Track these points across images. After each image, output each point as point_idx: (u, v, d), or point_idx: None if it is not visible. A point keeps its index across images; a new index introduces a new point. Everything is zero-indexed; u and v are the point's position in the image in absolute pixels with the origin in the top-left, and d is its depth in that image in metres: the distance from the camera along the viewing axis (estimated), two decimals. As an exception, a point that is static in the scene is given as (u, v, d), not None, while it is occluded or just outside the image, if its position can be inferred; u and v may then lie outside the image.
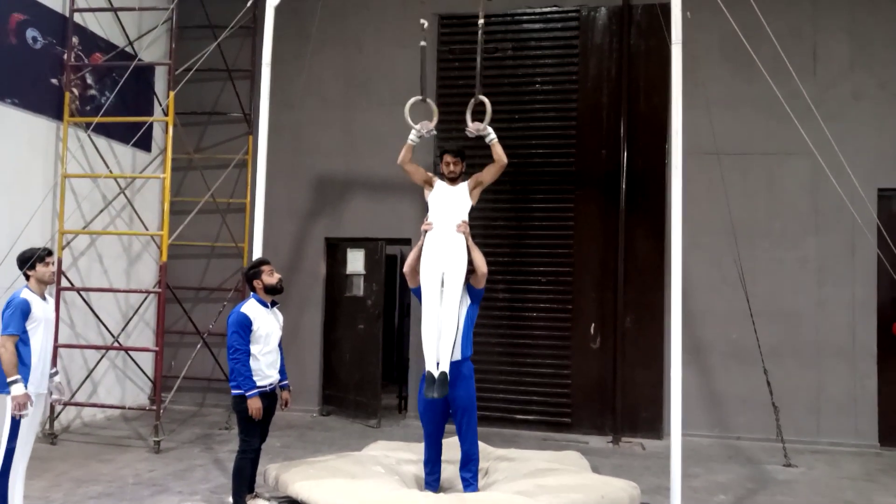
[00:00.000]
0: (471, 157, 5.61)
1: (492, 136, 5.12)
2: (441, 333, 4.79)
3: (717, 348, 7.69)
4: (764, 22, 5.45)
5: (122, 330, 8.03)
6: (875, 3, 7.65)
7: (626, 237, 7.83)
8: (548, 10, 8.26)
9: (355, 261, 8.53)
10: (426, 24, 5.36)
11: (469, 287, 5.03)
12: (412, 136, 5.23)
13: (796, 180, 7.68)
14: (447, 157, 5.21)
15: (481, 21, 5.28)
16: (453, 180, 5.21)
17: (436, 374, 4.75)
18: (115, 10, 7.84)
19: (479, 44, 5.35)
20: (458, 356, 4.91)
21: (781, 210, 7.72)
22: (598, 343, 7.84)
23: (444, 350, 4.76)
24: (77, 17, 7.43)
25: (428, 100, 5.37)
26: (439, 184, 5.24)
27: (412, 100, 5.33)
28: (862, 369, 7.45)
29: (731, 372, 7.63)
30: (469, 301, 5.04)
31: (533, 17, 8.31)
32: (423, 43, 5.40)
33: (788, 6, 7.65)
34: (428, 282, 4.93)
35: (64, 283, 7.17)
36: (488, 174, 5.23)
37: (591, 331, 7.90)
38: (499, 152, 5.14)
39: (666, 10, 5.49)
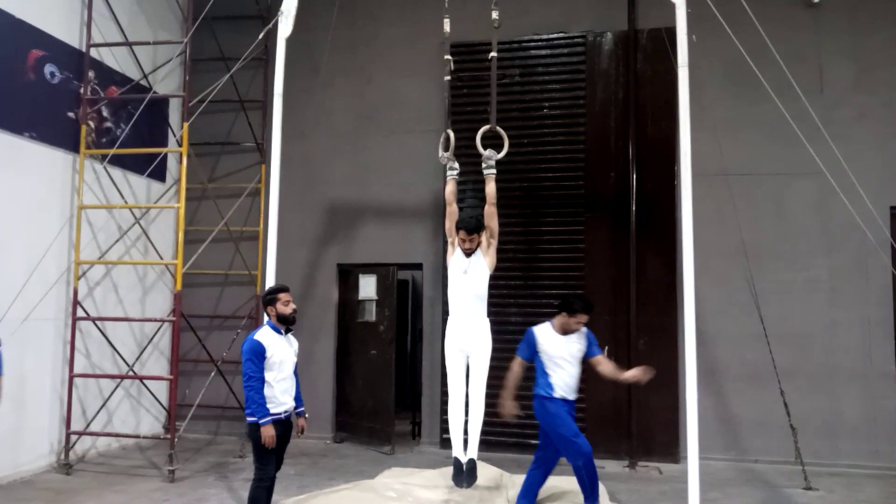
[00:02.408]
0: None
1: (493, 170, 5.20)
2: (470, 416, 4.83)
3: (731, 371, 7.63)
4: (770, 45, 5.52)
5: (137, 359, 8.08)
6: (877, 27, 7.70)
7: (638, 259, 7.83)
8: (554, 36, 8.38)
9: (367, 286, 8.57)
10: (451, 62, 5.49)
11: (588, 339, 5.12)
12: (449, 170, 5.35)
13: (805, 201, 7.68)
14: (462, 234, 5.08)
15: (493, 54, 5.38)
16: (469, 252, 5.13)
17: (463, 460, 4.77)
18: (130, 44, 8.02)
19: (492, 76, 5.44)
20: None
21: (791, 231, 7.71)
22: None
23: (473, 434, 4.81)
24: (93, 52, 7.61)
25: (448, 130, 5.45)
26: (458, 252, 5.15)
27: (444, 136, 5.41)
28: (879, 390, 7.36)
29: (745, 394, 7.56)
30: (587, 348, 5.12)
31: (540, 43, 8.42)
32: (447, 77, 5.51)
33: (791, 31, 7.71)
34: (452, 363, 5.01)
35: (80, 313, 7.24)
36: (492, 222, 5.16)
37: (605, 354, 7.85)
38: (491, 189, 5.17)
39: (671, 34, 5.57)
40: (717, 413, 7.57)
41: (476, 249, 5.11)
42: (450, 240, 5.22)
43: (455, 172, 5.36)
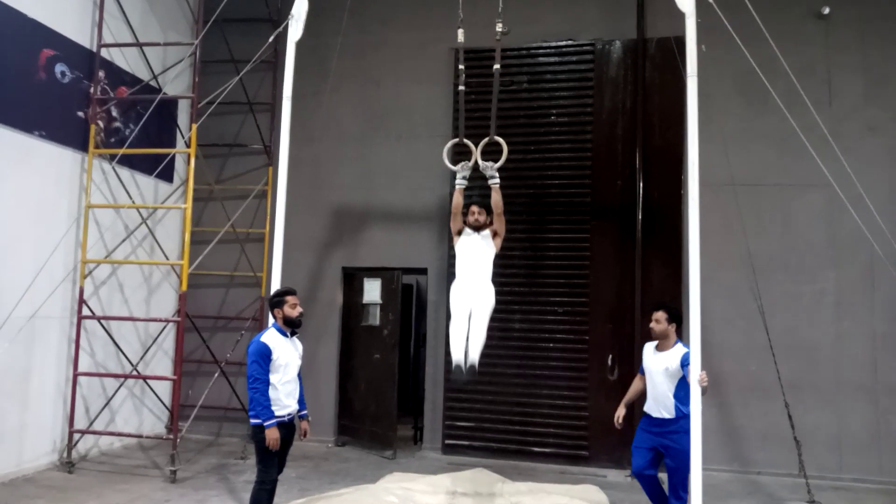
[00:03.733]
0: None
1: (496, 180, 5.29)
2: (471, 340, 4.94)
3: (735, 382, 7.60)
4: (780, 56, 5.51)
5: (141, 358, 8.10)
6: (887, 40, 7.68)
7: (643, 268, 7.82)
8: (563, 43, 8.39)
9: (372, 290, 8.58)
10: (464, 72, 5.60)
11: (685, 363, 4.95)
12: (458, 179, 5.43)
13: (812, 213, 7.66)
14: (473, 207, 5.41)
15: (497, 66, 5.41)
16: (478, 229, 5.38)
17: (464, 365, 4.90)
18: (140, 45, 8.07)
19: (494, 88, 5.46)
20: (676, 414, 4.96)
21: (798, 242, 7.68)
22: (616, 375, 7.78)
23: (473, 349, 4.92)
24: (104, 53, 7.65)
25: (465, 139, 5.49)
26: (466, 232, 5.42)
27: (450, 143, 5.48)
28: (885, 405, 7.32)
29: (750, 406, 7.53)
30: (682, 373, 4.97)
31: (548, 50, 8.43)
32: (461, 87, 5.57)
33: (800, 44, 7.71)
34: (456, 314, 5.10)
35: (85, 311, 7.27)
36: (499, 226, 5.39)
37: (609, 362, 7.85)
38: (497, 198, 5.30)
39: (681, 43, 5.56)
40: (721, 424, 7.54)
41: (485, 229, 5.37)
42: (454, 230, 5.47)
43: (465, 183, 5.44)
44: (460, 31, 5.66)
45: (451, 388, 8.17)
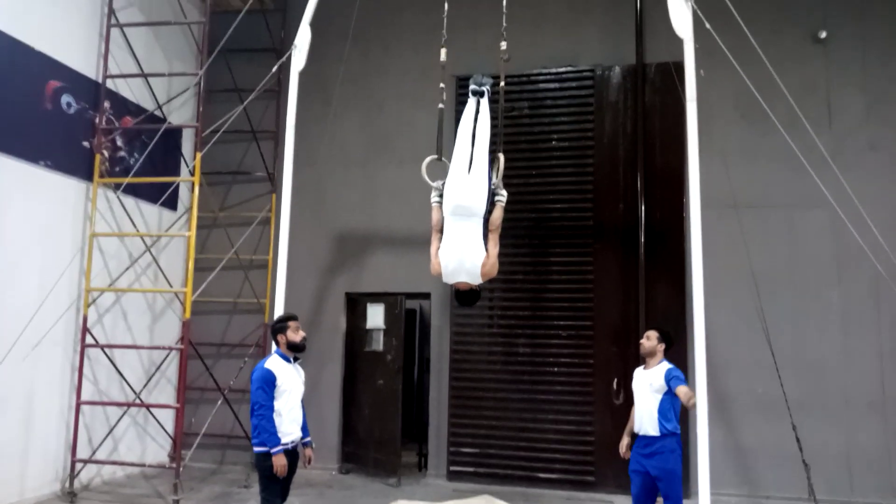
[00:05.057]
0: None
1: (501, 197, 4.94)
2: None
3: (742, 402, 7.53)
4: (778, 79, 5.56)
5: (144, 386, 8.07)
6: (887, 59, 7.74)
7: (647, 290, 7.81)
8: (563, 70, 8.48)
9: (375, 315, 8.57)
10: (444, 91, 5.57)
11: (668, 377, 4.93)
12: (434, 196, 5.18)
13: (816, 231, 7.64)
14: None
15: (502, 84, 5.44)
16: None
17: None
18: (145, 75, 8.17)
19: (500, 105, 5.48)
20: (660, 431, 4.91)
21: (802, 261, 7.66)
22: (622, 398, 7.73)
23: None
24: (109, 83, 7.75)
25: (443, 158, 5.47)
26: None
27: (428, 159, 5.42)
28: (895, 422, 7.25)
29: (757, 427, 7.45)
30: (666, 388, 4.94)
31: (549, 76, 8.52)
32: (441, 105, 5.57)
33: (800, 63, 7.77)
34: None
35: (89, 339, 7.26)
36: (492, 245, 4.90)
37: (614, 386, 7.80)
38: (497, 215, 4.90)
39: (679, 68, 5.63)
40: (729, 446, 7.46)
41: None
42: (433, 250, 5.13)
43: (441, 200, 5.11)
44: (443, 51, 5.69)
45: (456, 413, 8.12)
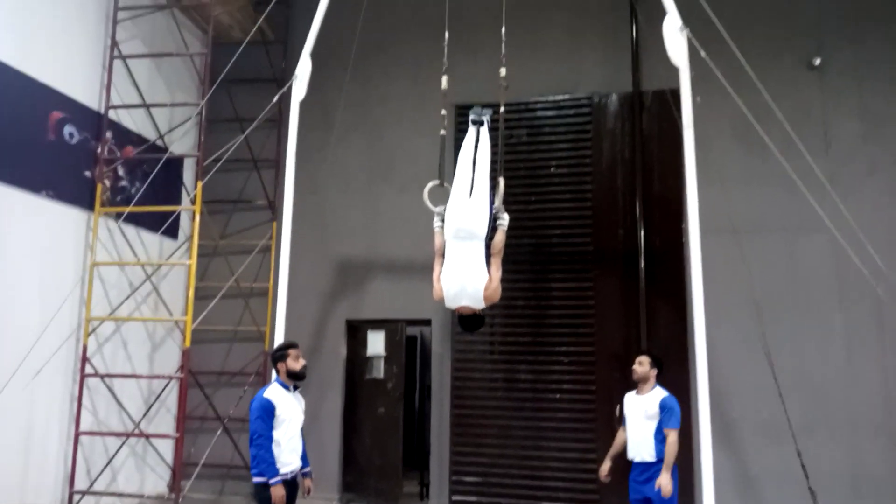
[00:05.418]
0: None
1: (503, 221, 4.91)
2: None
3: (746, 427, 7.46)
4: (773, 105, 5.61)
5: (144, 416, 8.02)
6: (882, 85, 7.82)
7: (648, 315, 7.79)
8: (560, 98, 8.56)
9: (376, 343, 8.55)
10: (446, 118, 5.63)
11: (662, 410, 4.99)
12: (436, 221, 5.20)
13: (816, 255, 7.63)
14: None
15: (502, 109, 5.50)
16: None
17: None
18: (147, 106, 8.25)
19: (500, 132, 5.53)
20: (656, 456, 4.94)
21: (804, 285, 7.64)
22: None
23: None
24: (111, 114, 7.82)
25: (445, 184, 5.50)
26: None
27: (430, 184, 5.44)
28: (901, 446, 7.18)
29: (762, 451, 7.37)
30: (660, 416, 4.99)
31: (547, 104, 8.60)
32: (442, 132, 5.62)
33: (796, 89, 7.85)
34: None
35: (88, 369, 7.23)
36: (495, 269, 4.82)
37: (617, 412, 7.71)
38: (499, 238, 4.85)
39: (676, 95, 5.68)
40: (734, 471, 7.37)
41: None
42: (436, 275, 5.09)
43: (443, 225, 5.13)
44: (444, 78, 5.76)
45: (458, 441, 8.05)
